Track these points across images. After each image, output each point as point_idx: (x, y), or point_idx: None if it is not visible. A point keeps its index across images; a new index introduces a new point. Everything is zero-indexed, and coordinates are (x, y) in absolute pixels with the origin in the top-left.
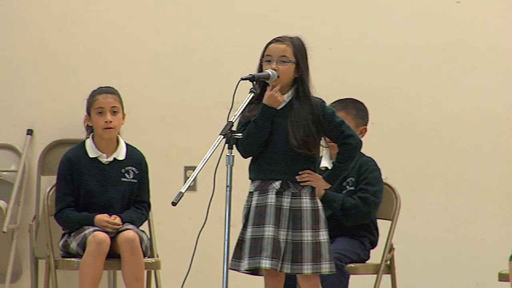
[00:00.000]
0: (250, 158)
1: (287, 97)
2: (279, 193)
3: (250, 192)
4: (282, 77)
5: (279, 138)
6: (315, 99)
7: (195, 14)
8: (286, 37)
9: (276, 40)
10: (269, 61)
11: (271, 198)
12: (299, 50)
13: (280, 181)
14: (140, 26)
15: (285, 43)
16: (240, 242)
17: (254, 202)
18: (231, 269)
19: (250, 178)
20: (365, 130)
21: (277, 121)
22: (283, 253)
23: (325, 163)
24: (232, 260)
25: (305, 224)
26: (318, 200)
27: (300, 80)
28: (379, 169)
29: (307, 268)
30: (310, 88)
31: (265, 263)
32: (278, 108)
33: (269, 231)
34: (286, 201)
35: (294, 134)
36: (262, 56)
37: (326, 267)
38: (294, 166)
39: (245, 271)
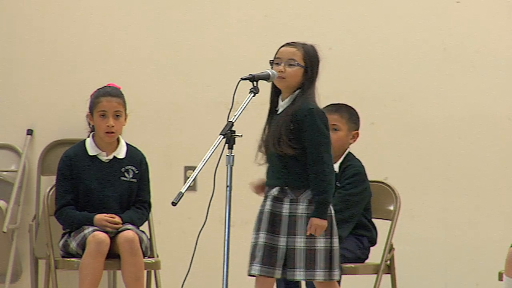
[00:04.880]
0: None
1: (285, 103)
2: (278, 200)
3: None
4: (288, 79)
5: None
6: (315, 110)
7: (195, 14)
8: (299, 42)
9: (288, 44)
10: (278, 63)
11: (268, 205)
12: (309, 56)
13: (278, 187)
14: (140, 26)
15: (295, 47)
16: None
17: (260, 208)
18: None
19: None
20: (357, 134)
21: (275, 126)
22: (286, 260)
23: None
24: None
25: (299, 230)
26: None
27: (304, 86)
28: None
29: (299, 275)
30: (314, 97)
31: (255, 270)
32: (277, 113)
33: (262, 237)
34: (286, 207)
35: (273, 134)
36: (274, 58)
37: (329, 274)
38: (289, 171)
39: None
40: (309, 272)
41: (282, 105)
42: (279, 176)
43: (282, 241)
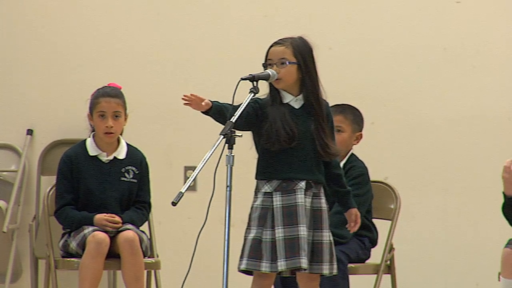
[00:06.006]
0: (260, 158)
1: (302, 98)
2: (303, 193)
3: (266, 192)
4: (284, 79)
5: (304, 138)
6: (323, 101)
7: (195, 14)
8: (286, 38)
9: (276, 43)
10: (270, 65)
11: (301, 198)
12: (299, 50)
13: (304, 181)
14: (141, 26)
15: (284, 45)
16: (258, 242)
17: (278, 203)
18: (249, 269)
19: (262, 178)
20: (361, 136)
21: (300, 121)
22: (313, 254)
23: None
24: (247, 259)
25: (324, 224)
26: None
27: (305, 81)
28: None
29: (325, 269)
30: (319, 89)
31: (304, 263)
32: (296, 108)
33: (304, 231)
34: (308, 201)
35: (327, 145)
36: (265, 61)
37: (336, 268)
38: (318, 166)
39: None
40: (331, 266)
41: (296, 99)
42: (308, 171)
43: (308, 235)
